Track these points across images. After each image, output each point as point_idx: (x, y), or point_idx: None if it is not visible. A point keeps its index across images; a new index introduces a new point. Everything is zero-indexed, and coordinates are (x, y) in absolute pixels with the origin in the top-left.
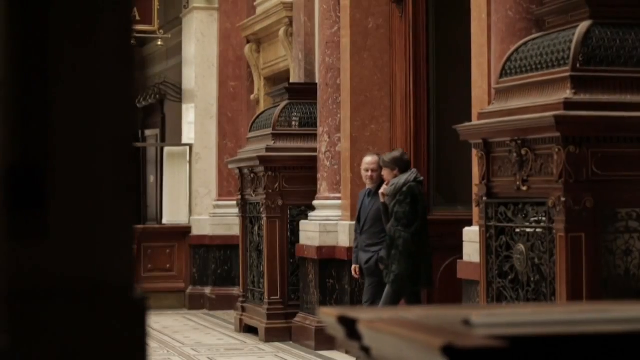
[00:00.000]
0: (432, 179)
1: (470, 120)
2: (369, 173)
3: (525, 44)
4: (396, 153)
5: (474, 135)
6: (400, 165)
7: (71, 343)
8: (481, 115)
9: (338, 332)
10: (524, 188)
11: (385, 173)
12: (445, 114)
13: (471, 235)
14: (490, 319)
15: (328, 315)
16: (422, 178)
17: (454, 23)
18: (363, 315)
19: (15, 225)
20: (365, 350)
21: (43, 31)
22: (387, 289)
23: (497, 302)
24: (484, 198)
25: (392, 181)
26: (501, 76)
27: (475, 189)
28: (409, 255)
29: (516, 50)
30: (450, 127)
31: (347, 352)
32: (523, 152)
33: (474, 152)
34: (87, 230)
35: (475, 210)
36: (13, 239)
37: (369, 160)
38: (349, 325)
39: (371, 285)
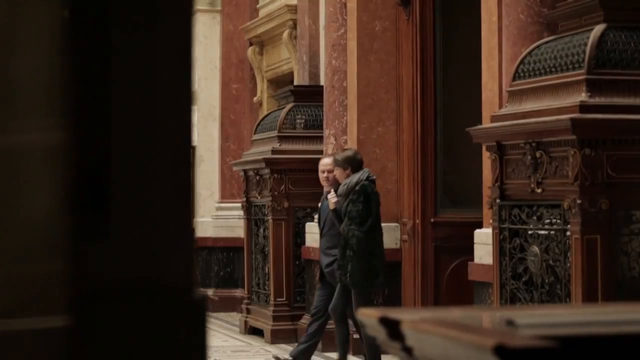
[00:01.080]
0: (439, 181)
1: (479, 122)
2: (325, 174)
3: (538, 47)
4: (349, 152)
5: (487, 137)
6: (353, 164)
7: (133, 343)
8: (494, 118)
9: (379, 332)
10: (539, 190)
11: (338, 173)
12: (453, 116)
13: (482, 237)
14: (534, 320)
15: (368, 317)
16: (374, 177)
17: (460, 26)
18: (406, 316)
19: (79, 228)
20: (407, 350)
21: (104, 38)
22: (352, 292)
23: (510, 303)
24: (497, 200)
25: (345, 181)
26: (514, 79)
27: (486, 191)
28: (363, 254)
29: (529, 53)
30: (458, 129)
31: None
32: (538, 154)
33: (487, 154)
34: (147, 232)
35: (486, 212)
36: (77, 241)
37: (325, 161)
38: (391, 326)
39: (323, 296)
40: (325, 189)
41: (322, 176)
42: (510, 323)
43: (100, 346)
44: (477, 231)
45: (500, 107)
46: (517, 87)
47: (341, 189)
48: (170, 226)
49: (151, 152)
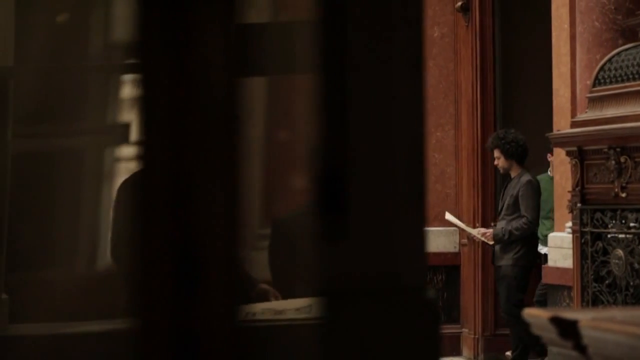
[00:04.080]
0: (499, 187)
1: (540, 127)
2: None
3: (618, 54)
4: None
5: (569, 143)
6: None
7: (372, 341)
8: (575, 124)
9: (549, 331)
10: (623, 194)
11: None
12: (512, 121)
13: (557, 241)
14: None
15: (537, 316)
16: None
17: (519, 31)
18: (583, 316)
19: (322, 229)
20: (581, 348)
21: (343, 46)
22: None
23: (592, 306)
24: (578, 204)
25: None
26: (594, 85)
27: (560, 196)
28: None
29: (609, 60)
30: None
31: None
32: (622, 159)
33: (558, 159)
34: (384, 232)
35: (558, 217)
36: (321, 242)
37: None
38: (563, 326)
39: None
40: None
41: None
42: None
43: (348, 343)
44: (551, 235)
45: (573, 113)
46: (597, 93)
47: None
48: (406, 227)
49: (387, 156)
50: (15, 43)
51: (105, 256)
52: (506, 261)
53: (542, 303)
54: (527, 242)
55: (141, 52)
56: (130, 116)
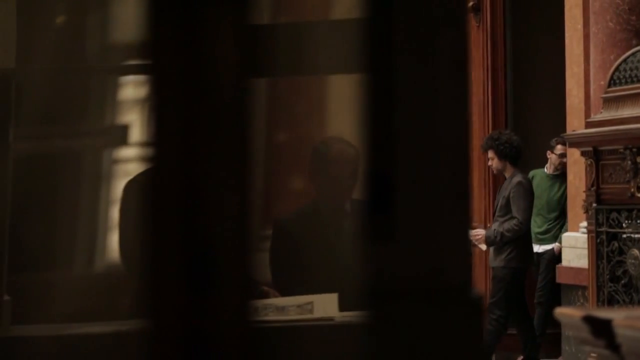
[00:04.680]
0: None
1: (552, 127)
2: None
3: (633, 54)
4: None
5: (584, 143)
6: None
7: (420, 340)
8: (590, 124)
9: (582, 330)
10: (639, 194)
11: None
12: (523, 122)
13: (571, 241)
14: None
15: (569, 316)
16: None
17: (531, 32)
18: (616, 315)
19: (369, 230)
20: (614, 347)
21: (389, 47)
22: None
23: (608, 305)
24: (594, 204)
25: None
26: (609, 85)
27: (575, 197)
28: None
29: (624, 60)
30: (529, 134)
31: None
32: (638, 159)
33: (583, 160)
34: (429, 232)
35: (571, 217)
36: (369, 242)
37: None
38: (597, 325)
39: None
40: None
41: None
42: None
43: (395, 342)
44: (565, 235)
45: (587, 113)
46: (613, 93)
47: None
48: (450, 227)
49: (432, 158)
50: (17, 44)
51: (109, 256)
52: (498, 262)
53: (544, 305)
54: (519, 244)
55: (152, 52)
56: (130, 117)
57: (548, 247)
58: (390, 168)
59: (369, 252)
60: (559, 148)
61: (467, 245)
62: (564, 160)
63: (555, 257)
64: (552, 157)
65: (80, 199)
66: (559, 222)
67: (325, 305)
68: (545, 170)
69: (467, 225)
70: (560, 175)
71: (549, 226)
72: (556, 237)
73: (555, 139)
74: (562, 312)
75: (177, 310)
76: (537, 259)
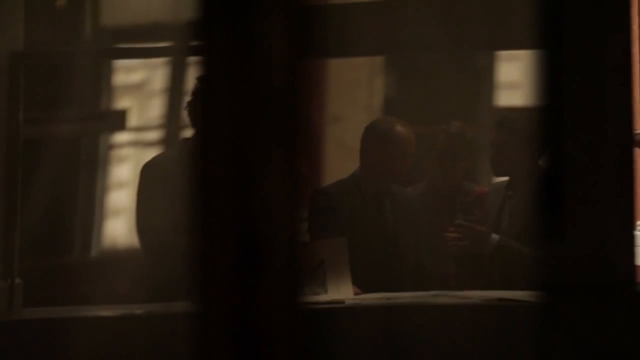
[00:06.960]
0: None
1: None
2: None
3: None
4: None
5: None
6: None
7: (590, 331)
8: None
9: None
10: None
11: None
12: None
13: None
14: None
15: None
16: None
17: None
18: None
19: (542, 227)
20: None
21: (559, 50)
22: None
23: None
24: None
25: None
26: None
27: None
28: None
29: None
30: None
31: None
32: None
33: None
34: (597, 229)
35: None
36: (543, 239)
37: None
38: None
39: None
40: None
41: None
42: None
43: (568, 333)
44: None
45: None
46: None
47: None
48: (617, 224)
49: (600, 155)
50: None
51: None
52: None
53: None
54: None
55: (203, 34)
56: (126, 103)
57: None
58: (562, 168)
59: (541, 249)
60: None
61: (632, 240)
62: None
63: None
64: None
65: (92, 183)
66: None
67: None
68: None
69: (634, 221)
70: None
71: None
72: None
73: None
74: None
75: (227, 293)
76: None
